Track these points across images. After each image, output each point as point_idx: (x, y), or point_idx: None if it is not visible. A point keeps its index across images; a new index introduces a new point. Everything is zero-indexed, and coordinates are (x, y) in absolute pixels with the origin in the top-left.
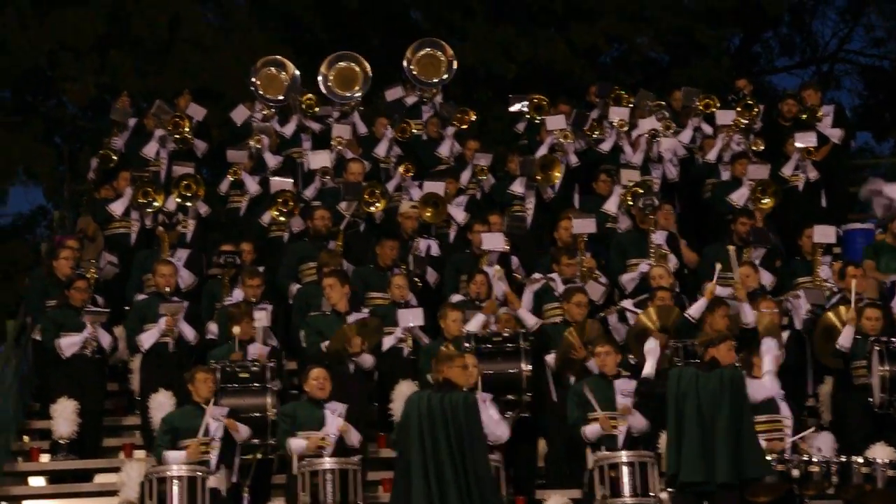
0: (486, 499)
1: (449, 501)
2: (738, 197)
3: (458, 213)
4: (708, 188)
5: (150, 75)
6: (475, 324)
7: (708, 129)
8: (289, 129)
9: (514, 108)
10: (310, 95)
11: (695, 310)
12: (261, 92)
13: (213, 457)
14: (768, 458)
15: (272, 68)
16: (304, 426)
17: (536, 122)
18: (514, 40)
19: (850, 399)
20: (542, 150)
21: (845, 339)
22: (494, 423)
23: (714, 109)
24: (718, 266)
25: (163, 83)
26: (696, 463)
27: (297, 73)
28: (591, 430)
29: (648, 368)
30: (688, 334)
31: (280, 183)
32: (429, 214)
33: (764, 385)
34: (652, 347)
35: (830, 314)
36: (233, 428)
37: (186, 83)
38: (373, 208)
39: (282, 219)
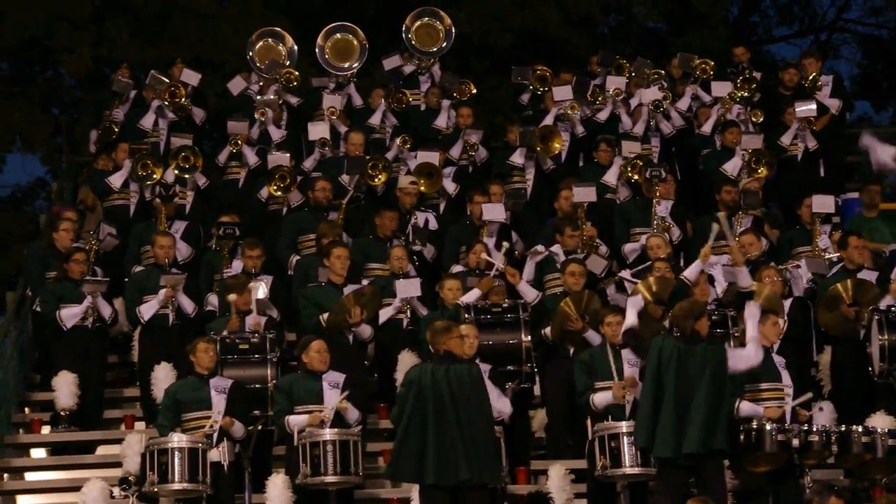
0: (492, 469)
1: (461, 473)
2: (732, 167)
3: (448, 184)
4: (703, 160)
5: (147, 46)
6: (470, 297)
7: (706, 96)
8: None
9: (517, 79)
10: (290, 70)
11: (691, 273)
12: (257, 64)
13: (216, 430)
14: (767, 426)
15: (269, 40)
16: (303, 400)
17: (539, 92)
18: (509, 9)
19: (850, 368)
20: (548, 120)
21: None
22: (495, 398)
23: (711, 74)
24: (716, 227)
25: (160, 54)
26: (668, 438)
27: (295, 46)
28: (601, 398)
29: (631, 318)
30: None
31: (277, 158)
32: (423, 185)
33: (745, 355)
34: (634, 299)
35: (838, 285)
36: (228, 426)
37: (184, 53)
38: (375, 181)
39: (279, 194)
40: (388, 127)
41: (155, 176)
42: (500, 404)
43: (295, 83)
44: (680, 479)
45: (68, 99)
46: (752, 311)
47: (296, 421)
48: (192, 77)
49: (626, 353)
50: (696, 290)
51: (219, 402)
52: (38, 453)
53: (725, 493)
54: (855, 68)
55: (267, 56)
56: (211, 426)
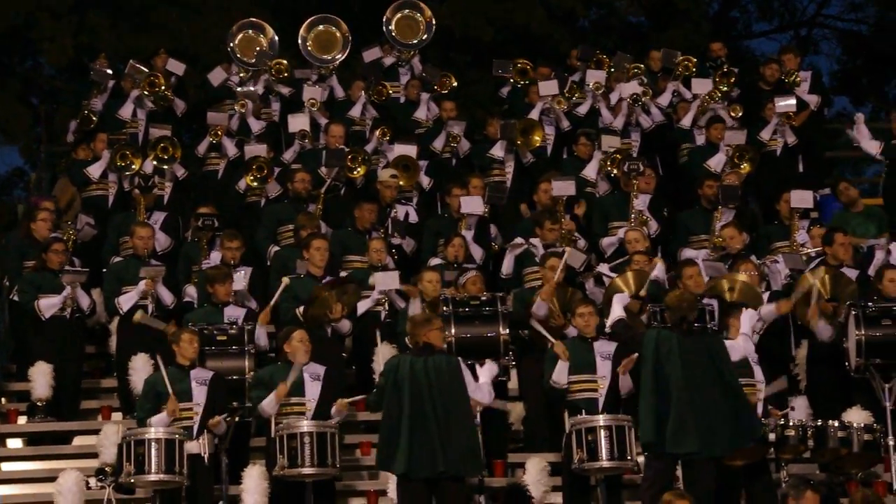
0: (469, 461)
1: (437, 465)
2: (716, 163)
3: (422, 177)
4: (684, 153)
5: (128, 37)
6: (411, 309)
7: (687, 93)
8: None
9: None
10: (280, 60)
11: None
12: (238, 55)
13: (196, 423)
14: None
15: (250, 31)
16: None
17: (519, 86)
18: (492, 4)
19: (826, 363)
20: (533, 115)
21: (823, 332)
22: (473, 390)
23: (693, 71)
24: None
25: (141, 44)
26: (685, 433)
27: (276, 37)
28: (557, 371)
29: (617, 311)
30: (657, 299)
31: (254, 149)
32: (400, 178)
33: (736, 346)
34: (618, 295)
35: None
36: (214, 426)
37: (165, 43)
38: (354, 174)
39: (255, 185)
40: (368, 119)
41: (134, 166)
42: (476, 394)
43: (285, 73)
44: (671, 472)
45: (48, 88)
46: (748, 314)
47: (267, 403)
48: (177, 67)
49: (599, 346)
50: (690, 283)
51: (199, 393)
52: (15, 443)
53: (713, 489)
54: (834, 64)
55: (248, 47)
56: (190, 417)
